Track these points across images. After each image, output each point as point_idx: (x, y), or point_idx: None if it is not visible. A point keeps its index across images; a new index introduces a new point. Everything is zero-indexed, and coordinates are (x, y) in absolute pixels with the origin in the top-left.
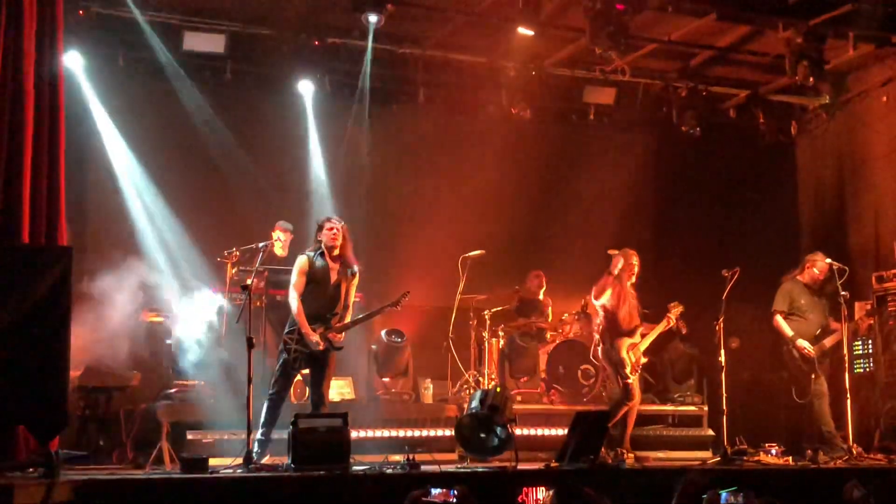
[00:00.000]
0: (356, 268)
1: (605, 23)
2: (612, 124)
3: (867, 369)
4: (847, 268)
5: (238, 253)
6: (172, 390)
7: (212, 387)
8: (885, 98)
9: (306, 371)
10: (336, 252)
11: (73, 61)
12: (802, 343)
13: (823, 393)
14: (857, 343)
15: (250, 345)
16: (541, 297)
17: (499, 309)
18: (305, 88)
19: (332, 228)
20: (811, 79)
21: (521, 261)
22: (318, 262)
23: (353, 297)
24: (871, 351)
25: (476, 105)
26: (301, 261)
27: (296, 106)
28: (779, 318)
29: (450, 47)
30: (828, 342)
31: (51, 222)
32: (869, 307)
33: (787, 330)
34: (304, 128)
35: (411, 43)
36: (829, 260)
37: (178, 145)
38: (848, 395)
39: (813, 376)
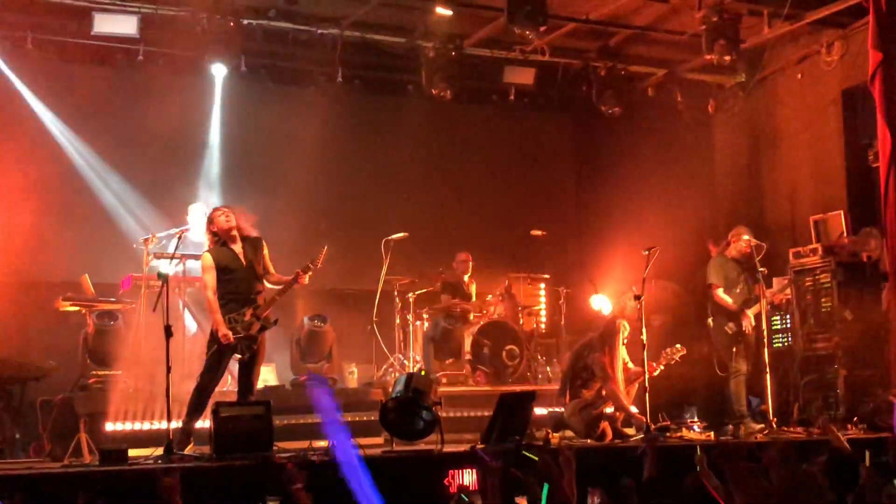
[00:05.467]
0: (259, 238)
1: (522, 2)
2: (532, 104)
3: (785, 343)
4: (765, 244)
5: (155, 239)
6: (90, 380)
7: (130, 376)
8: (800, 75)
9: (242, 356)
10: (234, 233)
11: None
12: (749, 315)
13: (741, 372)
14: (775, 318)
15: (168, 333)
16: (465, 279)
17: (423, 291)
18: (219, 70)
19: (222, 213)
20: (727, 57)
21: (444, 243)
22: (223, 253)
23: (270, 264)
24: (789, 325)
25: (396, 86)
26: (206, 259)
27: (210, 88)
28: (720, 292)
29: (368, 28)
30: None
31: None
32: (786, 282)
33: (731, 303)
34: (218, 110)
35: (329, 23)
36: (746, 237)
37: (89, 130)
38: (767, 370)
39: (734, 350)
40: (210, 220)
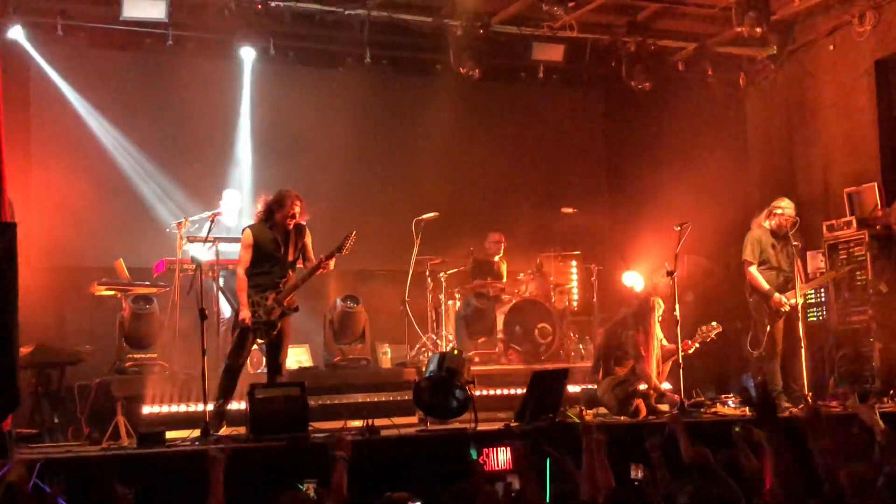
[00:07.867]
0: (304, 225)
1: None
2: (561, 81)
3: (820, 318)
4: (798, 217)
5: (188, 222)
6: (126, 364)
7: (166, 359)
8: (831, 47)
9: (262, 340)
10: (288, 225)
11: (13, 32)
12: (779, 297)
13: (775, 354)
14: (809, 292)
15: (202, 316)
16: (496, 259)
17: (454, 271)
18: (248, 54)
19: (293, 213)
20: (758, 30)
21: (475, 222)
22: (265, 234)
23: (312, 252)
24: (823, 299)
25: (424, 65)
26: (246, 235)
27: (239, 72)
28: (752, 270)
29: (394, 7)
30: (801, 289)
31: None
32: (822, 257)
33: (763, 283)
34: (248, 94)
35: (355, 4)
36: (790, 210)
37: (120, 116)
38: (802, 344)
39: (769, 329)
40: (279, 202)
